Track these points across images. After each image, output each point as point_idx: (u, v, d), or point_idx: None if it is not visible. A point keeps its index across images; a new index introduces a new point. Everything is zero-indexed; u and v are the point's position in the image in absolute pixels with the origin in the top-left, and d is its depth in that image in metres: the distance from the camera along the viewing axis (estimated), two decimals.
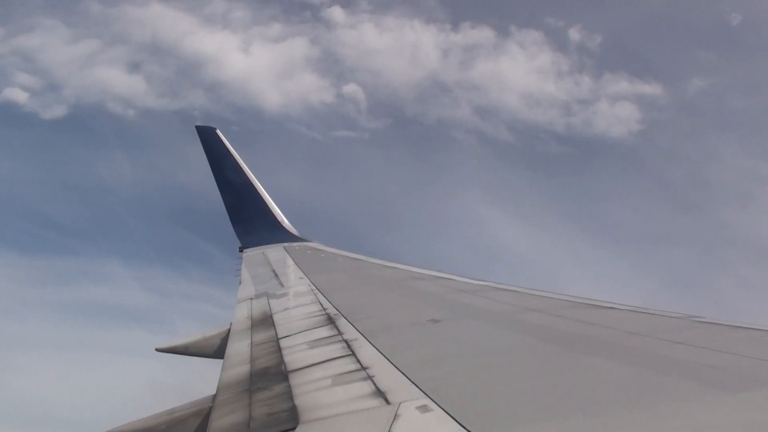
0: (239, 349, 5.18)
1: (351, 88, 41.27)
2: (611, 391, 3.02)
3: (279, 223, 17.28)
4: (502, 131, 40.66)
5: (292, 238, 16.21)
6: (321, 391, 3.57)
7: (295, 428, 3.04)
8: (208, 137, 18.55)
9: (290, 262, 11.94)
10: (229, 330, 6.25)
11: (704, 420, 2.49)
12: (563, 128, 40.02)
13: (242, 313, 6.92)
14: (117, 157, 41.55)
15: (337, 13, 43.30)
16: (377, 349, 4.23)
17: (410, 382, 3.36)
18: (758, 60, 43.12)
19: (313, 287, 7.92)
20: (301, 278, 9.35)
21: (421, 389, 3.20)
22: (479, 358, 4.02)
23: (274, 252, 13.80)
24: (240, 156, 18.33)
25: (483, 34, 43.12)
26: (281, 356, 4.56)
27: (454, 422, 2.68)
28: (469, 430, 2.58)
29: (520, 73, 42.24)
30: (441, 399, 2.99)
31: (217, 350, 6.06)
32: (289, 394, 3.57)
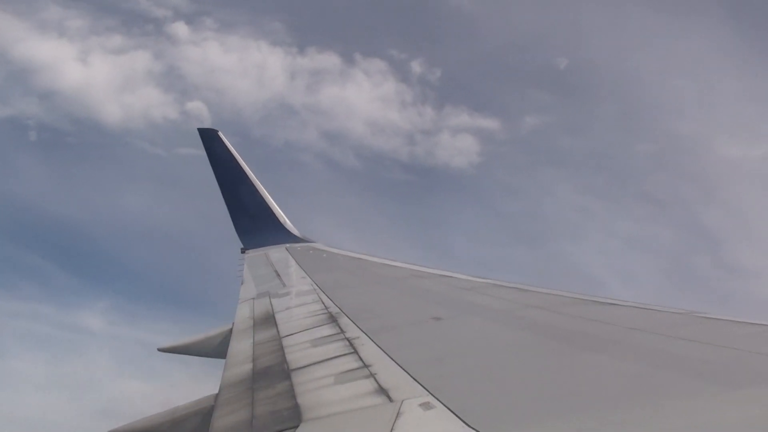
0: (241, 348, 5.19)
1: (195, 105, 40.49)
2: (614, 388, 3.01)
3: (281, 224, 17.28)
4: (350, 157, 41.74)
5: (295, 239, 16.21)
6: (323, 389, 3.57)
7: (297, 426, 3.04)
8: (210, 139, 18.55)
9: (292, 262, 11.94)
10: (231, 329, 6.26)
11: (707, 416, 2.49)
12: (407, 157, 41.75)
13: (244, 313, 6.92)
14: None
15: (180, 28, 42.50)
16: (379, 347, 4.23)
17: (413, 380, 3.36)
18: (582, 102, 45.73)
19: (315, 286, 7.92)
20: (303, 278, 9.35)
21: (423, 387, 3.20)
22: (481, 356, 4.02)
23: (277, 252, 13.81)
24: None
25: (329, 60, 43.81)
26: (283, 355, 4.57)
27: (457, 419, 2.68)
28: (472, 426, 2.58)
29: (366, 100, 43.58)
30: (443, 396, 2.99)
31: (219, 350, 6.07)
32: (291, 393, 3.58)
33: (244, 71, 44.06)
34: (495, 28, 48.44)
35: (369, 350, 4.22)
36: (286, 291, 8.34)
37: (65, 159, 40.93)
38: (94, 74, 40.27)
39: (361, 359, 4.01)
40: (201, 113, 39.03)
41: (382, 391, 3.28)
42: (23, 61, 41.82)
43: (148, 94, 40.82)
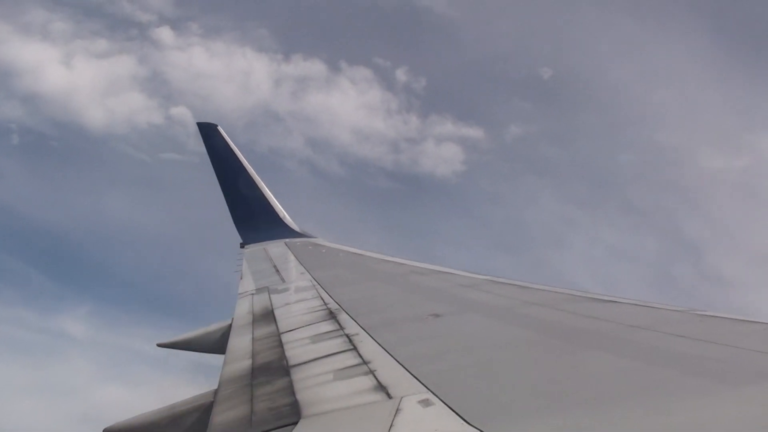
0: (241, 344, 5.18)
1: (180, 111, 40.63)
2: (613, 385, 3.01)
3: (281, 219, 17.26)
4: (334, 164, 42.10)
5: (294, 234, 16.19)
6: (323, 385, 3.57)
7: (296, 423, 3.04)
8: (209, 133, 18.51)
9: (291, 257, 11.93)
10: (230, 325, 6.25)
11: (707, 413, 2.48)
12: (392, 165, 42.32)
13: (243, 308, 6.92)
14: None
15: (165, 33, 42.69)
16: (379, 344, 4.23)
17: (412, 377, 3.36)
18: (566, 112, 46.81)
19: (315, 282, 7.92)
20: (302, 273, 9.35)
21: (422, 383, 3.19)
22: (481, 353, 4.02)
23: (276, 248, 13.79)
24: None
25: (315, 67, 44.68)
26: (283, 351, 4.56)
27: (456, 416, 2.68)
28: (471, 423, 2.57)
29: (351, 108, 43.88)
30: (443, 393, 2.98)
31: (218, 345, 6.07)
32: (290, 389, 3.57)
33: (229, 77, 44.24)
34: (480, 37, 49.06)
35: (368, 347, 4.22)
36: (286, 287, 8.33)
37: (48, 163, 40.90)
38: (78, 78, 40.20)
39: (360, 356, 4.01)
40: (185, 118, 39.07)
41: (381, 387, 3.28)
42: (6, 63, 41.73)
43: (133, 98, 40.83)
